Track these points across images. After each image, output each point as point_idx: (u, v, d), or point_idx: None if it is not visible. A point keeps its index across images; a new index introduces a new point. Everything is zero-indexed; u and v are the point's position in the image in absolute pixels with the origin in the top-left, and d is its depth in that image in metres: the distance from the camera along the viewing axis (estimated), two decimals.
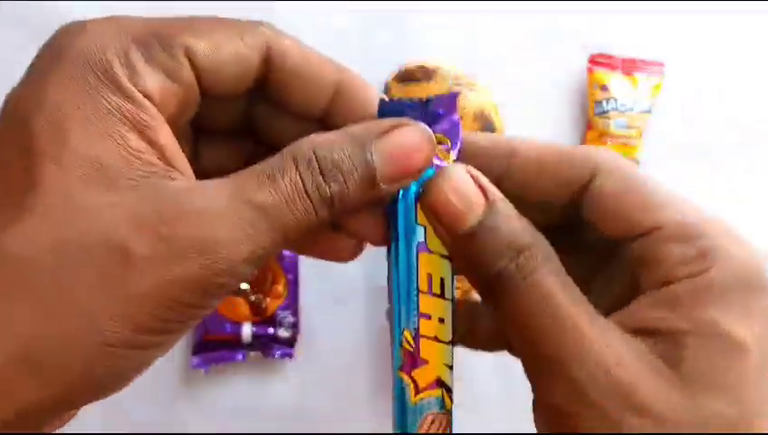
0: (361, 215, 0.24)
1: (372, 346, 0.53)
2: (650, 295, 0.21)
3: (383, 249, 0.24)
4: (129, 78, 0.20)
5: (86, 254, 0.18)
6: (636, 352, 0.20)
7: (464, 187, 0.22)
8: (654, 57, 0.55)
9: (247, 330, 0.51)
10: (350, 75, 0.24)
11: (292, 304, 0.52)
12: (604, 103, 0.54)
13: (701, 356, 0.20)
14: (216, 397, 0.52)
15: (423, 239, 0.23)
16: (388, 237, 0.24)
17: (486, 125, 0.52)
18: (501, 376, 0.53)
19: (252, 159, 0.21)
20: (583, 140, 0.55)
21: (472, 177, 0.22)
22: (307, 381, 0.53)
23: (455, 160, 0.24)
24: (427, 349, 0.23)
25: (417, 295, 0.23)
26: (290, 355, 0.52)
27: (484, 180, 0.22)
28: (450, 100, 0.24)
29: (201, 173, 0.22)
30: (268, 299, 0.52)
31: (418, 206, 0.23)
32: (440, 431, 0.23)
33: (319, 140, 0.21)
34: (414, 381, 0.23)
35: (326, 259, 0.26)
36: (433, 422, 0.23)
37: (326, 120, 0.24)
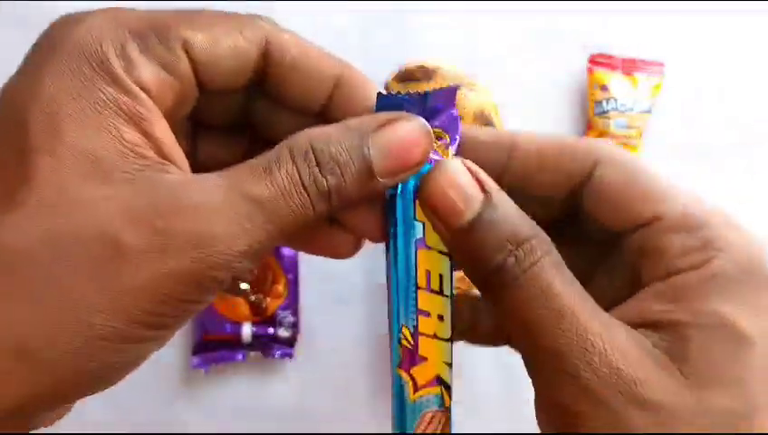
0: (359, 210, 0.24)
1: (372, 346, 0.53)
2: (653, 288, 0.21)
3: (383, 249, 0.24)
4: (125, 70, 0.20)
5: (80, 247, 0.18)
6: (640, 347, 0.20)
7: (461, 180, 0.22)
8: (654, 57, 0.55)
9: (247, 330, 0.51)
10: (350, 70, 0.24)
11: (292, 303, 0.52)
12: (604, 103, 0.54)
13: (706, 349, 0.19)
14: (215, 397, 0.52)
15: (422, 235, 0.23)
16: (386, 234, 0.24)
17: (486, 125, 0.52)
18: (501, 376, 0.53)
19: (250, 154, 0.21)
20: None
21: (469, 170, 0.22)
22: (307, 381, 0.53)
23: (454, 156, 0.24)
24: (425, 346, 0.23)
25: (416, 292, 0.23)
26: (290, 355, 0.52)
27: (482, 174, 0.22)
28: (449, 94, 0.23)
29: (199, 168, 0.22)
30: (268, 299, 0.52)
31: (417, 202, 0.23)
32: (439, 430, 0.23)
33: (316, 133, 0.21)
34: (413, 379, 0.23)
35: (324, 256, 0.25)
36: (432, 420, 0.23)
37: (325, 114, 0.24)
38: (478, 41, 0.55)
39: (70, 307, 0.18)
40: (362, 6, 0.54)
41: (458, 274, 0.23)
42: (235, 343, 0.51)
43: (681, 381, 0.19)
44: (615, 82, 0.54)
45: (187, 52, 0.21)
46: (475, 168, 0.22)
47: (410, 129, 0.22)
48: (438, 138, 0.23)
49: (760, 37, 0.57)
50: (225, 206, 0.19)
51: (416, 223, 0.23)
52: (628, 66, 0.55)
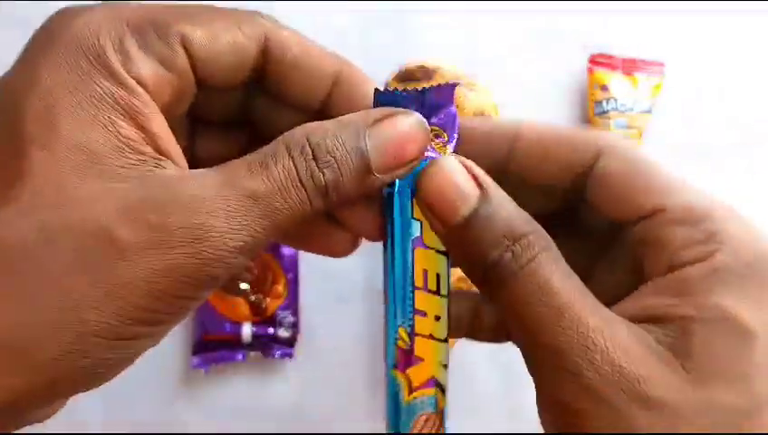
0: (357, 208, 0.24)
1: (372, 346, 0.53)
2: (655, 282, 0.21)
3: (383, 249, 0.24)
4: (122, 64, 0.20)
5: (73, 241, 0.18)
6: (642, 343, 0.20)
7: (456, 176, 0.21)
8: (654, 57, 0.55)
9: (247, 330, 0.51)
10: (350, 68, 0.24)
11: (292, 303, 0.52)
12: (604, 103, 0.54)
13: (709, 344, 0.19)
14: (215, 397, 0.52)
15: (419, 234, 0.23)
16: (383, 232, 0.23)
17: None
18: (501, 376, 0.53)
19: (248, 151, 0.21)
20: None
21: (465, 167, 0.22)
22: (307, 380, 0.53)
23: (452, 153, 0.23)
24: (421, 347, 0.23)
25: (413, 292, 0.23)
26: (290, 355, 0.52)
27: (478, 170, 0.22)
28: (448, 91, 0.23)
29: (196, 164, 0.22)
30: (268, 299, 0.52)
31: (414, 200, 0.23)
32: (434, 431, 0.23)
33: (312, 128, 0.21)
34: (408, 380, 0.23)
35: (321, 254, 0.25)
36: (426, 422, 0.23)
37: (324, 111, 0.24)
38: (478, 41, 0.55)
39: (63, 303, 0.18)
40: (362, 6, 0.54)
41: (460, 273, 0.23)
42: (235, 343, 0.51)
43: (684, 377, 0.19)
44: (615, 82, 0.54)
45: (185, 47, 0.21)
46: (470, 164, 0.22)
47: (407, 124, 0.22)
48: (437, 136, 0.23)
49: (760, 37, 0.57)
50: (220, 201, 0.19)
51: (413, 221, 0.23)
52: (629, 66, 0.55)
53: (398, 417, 0.23)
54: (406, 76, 0.52)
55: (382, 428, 0.24)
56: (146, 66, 0.20)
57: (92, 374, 0.19)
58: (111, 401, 0.50)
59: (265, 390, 0.52)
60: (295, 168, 0.20)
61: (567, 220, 0.24)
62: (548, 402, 0.21)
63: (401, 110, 0.22)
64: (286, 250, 0.52)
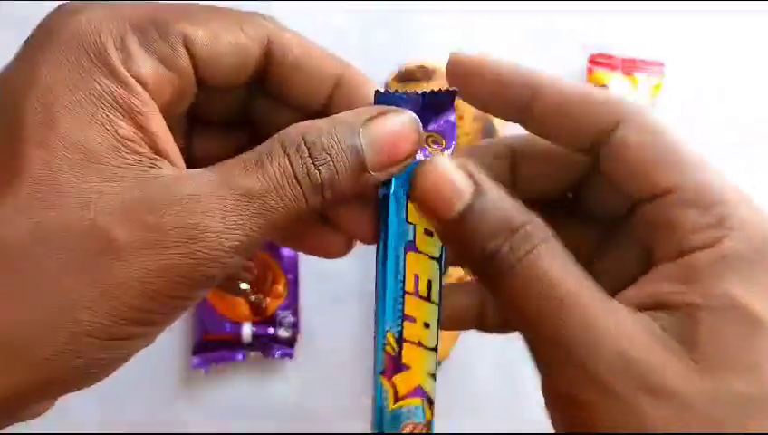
0: (352, 210, 0.24)
1: (372, 346, 0.53)
2: (663, 268, 0.20)
3: (376, 251, 0.24)
4: (123, 62, 0.20)
5: (68, 241, 0.18)
6: (647, 331, 0.19)
7: (450, 173, 0.21)
8: (654, 57, 0.55)
9: (247, 330, 0.51)
10: (351, 70, 0.24)
11: (292, 304, 0.52)
12: None
13: (716, 333, 0.19)
14: (216, 397, 0.52)
15: (412, 238, 0.23)
16: (378, 235, 0.23)
17: (486, 125, 0.52)
18: (501, 376, 0.53)
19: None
20: None
21: (460, 165, 0.21)
22: (307, 381, 0.53)
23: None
24: (409, 354, 0.22)
25: (403, 296, 0.22)
26: (290, 355, 0.52)
27: (473, 167, 0.21)
28: (448, 98, 0.23)
29: (194, 164, 0.22)
30: (268, 299, 0.52)
31: (409, 203, 0.23)
32: None
33: (307, 126, 0.21)
34: (394, 387, 0.22)
35: (315, 255, 0.25)
36: (412, 432, 0.22)
37: (325, 114, 0.23)
38: (477, 41, 0.55)
39: (57, 302, 0.18)
40: (362, 6, 0.54)
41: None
42: (235, 343, 0.51)
43: (691, 366, 0.19)
44: (615, 82, 0.54)
45: (187, 47, 0.21)
46: (465, 162, 0.22)
47: (399, 122, 0.22)
48: (435, 142, 0.23)
49: (760, 37, 0.57)
50: (215, 200, 0.19)
51: (407, 225, 0.23)
52: (628, 66, 0.55)
53: (382, 424, 0.23)
54: (405, 76, 0.52)
55: None
56: (147, 65, 0.20)
57: (85, 374, 0.19)
58: (111, 401, 0.50)
59: (265, 390, 0.52)
60: (291, 165, 0.20)
61: (576, 202, 0.24)
62: (554, 395, 0.21)
63: (393, 108, 0.22)
64: (286, 251, 0.52)
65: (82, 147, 0.19)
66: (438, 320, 0.23)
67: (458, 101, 0.23)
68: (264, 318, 0.52)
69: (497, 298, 0.21)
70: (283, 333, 0.52)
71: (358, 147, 0.21)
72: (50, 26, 0.20)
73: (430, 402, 0.23)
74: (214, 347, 0.51)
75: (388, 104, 0.22)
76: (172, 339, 0.52)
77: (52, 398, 0.20)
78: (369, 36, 0.54)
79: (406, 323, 0.22)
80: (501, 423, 0.52)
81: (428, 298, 0.23)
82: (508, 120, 0.24)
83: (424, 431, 0.22)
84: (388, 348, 0.23)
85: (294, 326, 0.52)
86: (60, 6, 0.21)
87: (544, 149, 0.24)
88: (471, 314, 0.26)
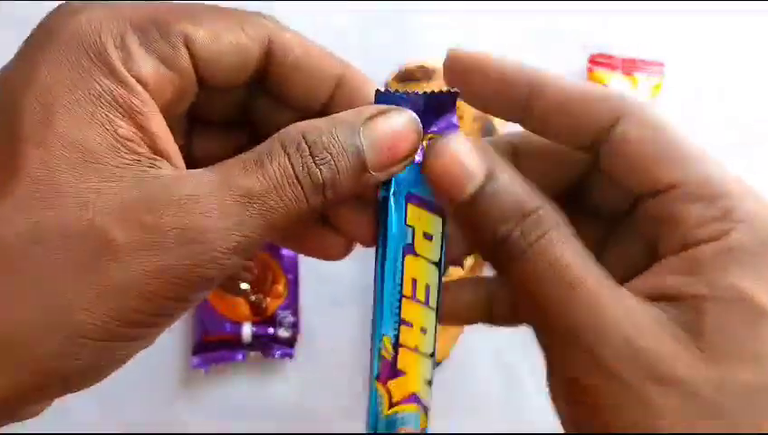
0: (351, 211, 0.24)
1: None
2: (668, 260, 0.20)
3: (375, 254, 0.24)
4: (123, 62, 0.20)
5: (65, 241, 0.18)
6: (655, 320, 0.19)
7: (462, 154, 0.21)
8: (654, 57, 0.55)
9: (247, 330, 0.51)
10: (352, 70, 0.24)
11: (293, 304, 0.52)
12: None
13: (722, 323, 0.19)
14: (215, 397, 0.52)
15: (411, 241, 0.22)
16: (377, 237, 0.23)
17: (486, 125, 0.52)
18: (501, 376, 0.53)
19: (246, 151, 0.21)
20: None
21: (472, 145, 0.21)
22: (307, 381, 0.53)
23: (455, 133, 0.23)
24: (405, 359, 0.22)
25: (400, 300, 0.22)
26: (290, 355, 0.52)
27: (486, 149, 0.21)
28: (450, 99, 0.23)
29: (194, 163, 0.22)
30: (268, 299, 0.52)
31: (408, 206, 0.22)
32: None
33: (307, 125, 0.21)
34: (388, 393, 0.22)
35: (314, 256, 0.25)
36: None
37: (326, 113, 0.23)
38: (478, 41, 0.55)
39: (55, 302, 0.18)
40: (362, 6, 0.54)
41: (470, 263, 0.22)
42: (235, 343, 0.51)
43: (697, 355, 0.19)
44: (615, 82, 0.54)
45: (187, 47, 0.21)
46: (477, 142, 0.21)
47: (400, 121, 0.22)
48: None
49: (760, 37, 0.57)
50: (214, 201, 0.19)
51: (406, 228, 0.22)
52: (628, 66, 0.55)
53: (376, 429, 0.22)
54: (405, 76, 0.52)
55: None
56: (147, 65, 0.20)
57: (83, 375, 0.19)
58: (111, 401, 0.50)
59: (265, 390, 0.52)
60: (291, 165, 0.20)
61: (579, 197, 0.24)
62: (559, 380, 0.21)
63: (393, 107, 0.22)
64: (286, 251, 0.52)
65: (81, 146, 0.19)
66: (436, 326, 0.23)
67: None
68: (263, 318, 0.52)
69: (507, 280, 0.21)
70: (283, 333, 0.52)
71: (358, 146, 0.21)
72: (50, 26, 0.20)
73: (425, 410, 0.22)
74: (214, 347, 0.51)
75: (389, 104, 0.22)
76: (172, 339, 0.52)
77: (49, 398, 0.20)
78: (370, 36, 0.54)
79: (402, 328, 0.22)
80: (501, 423, 0.52)
81: (426, 303, 0.22)
82: (507, 118, 0.23)
83: None
84: (383, 352, 0.22)
85: (294, 326, 0.52)
86: (59, 6, 0.21)
87: (544, 146, 0.24)
88: (479, 307, 0.26)
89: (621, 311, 0.19)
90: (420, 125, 0.22)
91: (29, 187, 0.18)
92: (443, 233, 0.23)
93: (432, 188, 0.22)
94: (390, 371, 0.22)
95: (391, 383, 0.22)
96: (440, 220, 0.23)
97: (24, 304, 0.18)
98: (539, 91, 0.22)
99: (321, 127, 0.21)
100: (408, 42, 0.54)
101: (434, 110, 0.23)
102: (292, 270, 0.53)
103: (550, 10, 0.55)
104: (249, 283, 0.51)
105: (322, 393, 0.52)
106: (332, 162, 0.20)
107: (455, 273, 0.48)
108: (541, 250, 0.20)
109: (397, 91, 0.22)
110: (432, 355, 0.22)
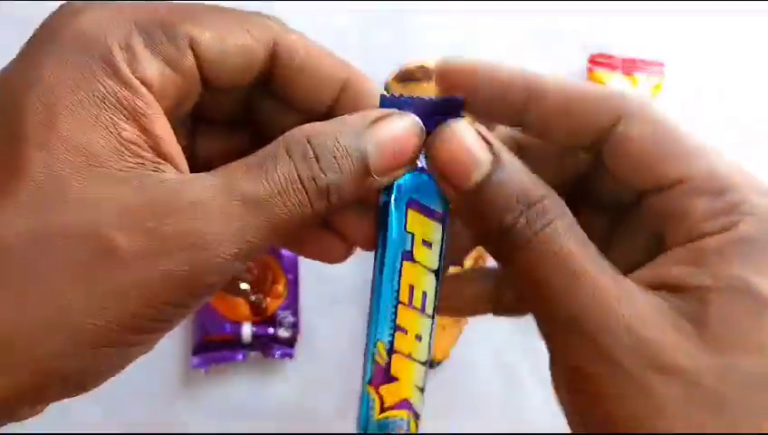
0: (353, 215, 0.24)
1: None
2: (673, 252, 0.20)
3: (374, 258, 0.24)
4: (128, 64, 0.19)
5: (67, 245, 0.18)
6: (658, 310, 0.19)
7: (468, 141, 0.21)
8: (654, 57, 0.55)
9: (247, 330, 0.51)
10: (356, 73, 0.23)
11: (293, 304, 0.52)
12: None
13: (726, 314, 0.19)
14: (215, 397, 0.52)
15: (410, 248, 0.22)
16: (377, 242, 0.23)
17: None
18: (501, 376, 0.53)
19: (250, 152, 0.21)
20: None
21: (478, 133, 0.21)
22: (307, 381, 0.53)
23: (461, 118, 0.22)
24: (398, 365, 0.22)
25: (396, 306, 0.22)
26: (290, 355, 0.52)
27: (491, 136, 0.21)
28: (455, 106, 0.22)
29: (197, 163, 0.22)
30: (268, 299, 0.52)
31: (409, 212, 0.22)
32: None
33: (311, 129, 0.21)
34: (380, 398, 0.22)
35: (315, 259, 0.25)
36: None
37: (331, 116, 0.23)
38: (478, 41, 0.55)
39: (55, 308, 0.18)
40: (362, 6, 0.54)
41: (473, 254, 0.22)
42: (235, 343, 0.51)
43: (700, 345, 0.19)
44: (615, 82, 0.54)
45: (193, 48, 0.21)
46: (483, 130, 0.21)
47: (402, 125, 0.22)
48: None
49: (760, 37, 0.57)
50: (218, 206, 0.19)
51: (405, 234, 0.22)
52: (628, 66, 0.55)
53: (367, 432, 0.22)
54: (405, 76, 0.52)
55: None
56: (152, 66, 0.20)
57: (77, 381, 0.19)
58: (111, 401, 0.50)
59: (265, 390, 0.52)
60: (296, 170, 0.20)
61: (584, 190, 0.24)
62: (561, 368, 0.21)
63: (396, 111, 0.22)
64: (286, 251, 0.52)
65: (84, 150, 0.18)
66: (431, 334, 0.23)
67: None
68: (263, 318, 0.52)
69: (511, 269, 0.21)
70: (283, 333, 0.52)
71: (363, 150, 0.21)
72: (52, 26, 0.20)
73: (416, 416, 0.22)
74: (214, 347, 0.51)
75: (394, 108, 0.22)
76: (172, 339, 0.52)
77: (49, 399, 0.20)
78: (370, 36, 0.54)
79: (397, 334, 0.22)
80: (501, 423, 0.52)
81: (422, 310, 0.22)
82: (506, 124, 0.23)
83: None
84: (377, 357, 0.22)
85: (294, 326, 0.52)
86: (62, 6, 0.20)
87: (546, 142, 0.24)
88: (486, 298, 0.26)
89: (624, 300, 0.19)
90: (423, 129, 0.22)
91: (31, 190, 0.18)
92: (442, 241, 0.23)
93: (436, 176, 0.22)
94: (383, 376, 0.22)
95: (383, 389, 0.22)
96: (440, 228, 0.23)
97: (24, 304, 0.18)
98: (537, 95, 0.22)
99: (325, 131, 0.21)
100: (408, 42, 0.54)
101: (439, 115, 0.22)
102: (292, 270, 0.53)
103: (550, 10, 0.55)
104: (249, 283, 0.51)
105: (322, 393, 0.52)
106: (337, 167, 0.20)
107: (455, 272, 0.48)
108: (546, 239, 0.20)
109: (401, 95, 0.22)
110: (426, 363, 0.22)
